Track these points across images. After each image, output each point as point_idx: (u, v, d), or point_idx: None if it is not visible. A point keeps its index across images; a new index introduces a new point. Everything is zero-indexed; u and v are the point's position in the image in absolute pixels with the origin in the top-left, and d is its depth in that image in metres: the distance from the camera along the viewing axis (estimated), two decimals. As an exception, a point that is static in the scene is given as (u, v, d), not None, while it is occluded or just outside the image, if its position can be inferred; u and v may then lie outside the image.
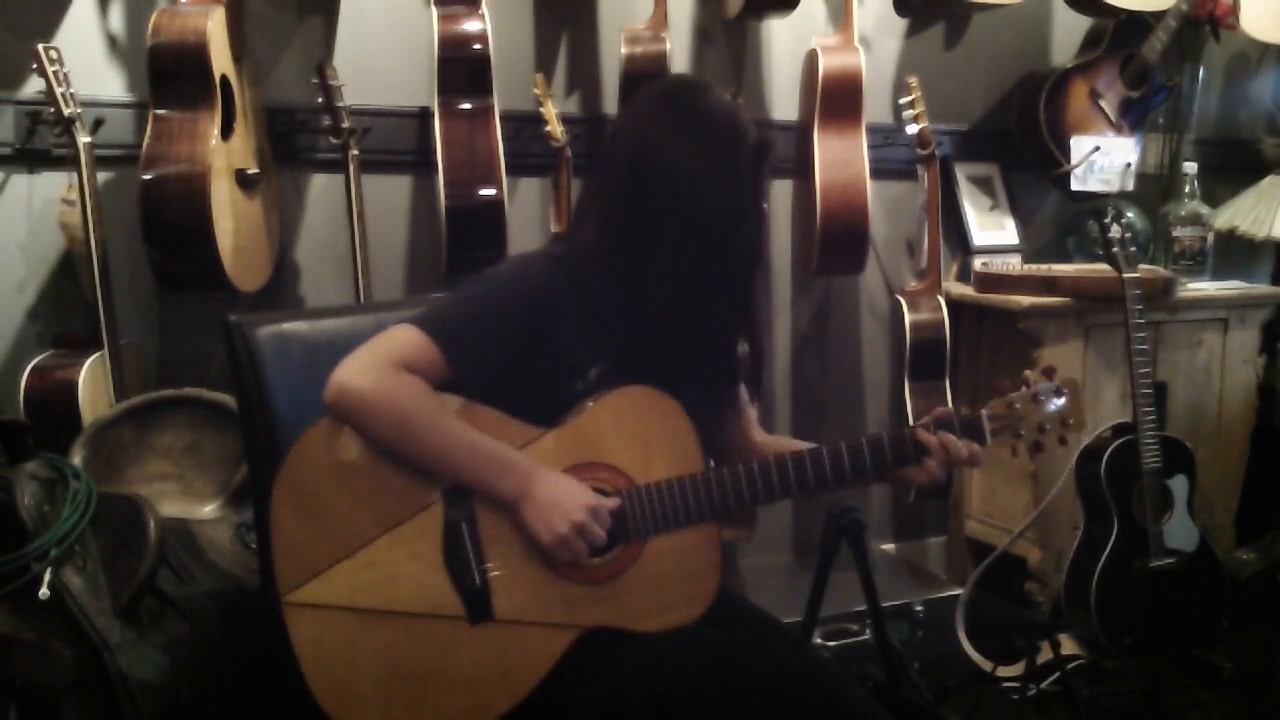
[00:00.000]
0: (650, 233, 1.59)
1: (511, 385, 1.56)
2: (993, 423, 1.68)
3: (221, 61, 2.39)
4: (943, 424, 1.66)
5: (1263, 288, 3.39)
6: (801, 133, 3.00)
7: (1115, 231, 2.68)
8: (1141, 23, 3.17)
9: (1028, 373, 1.73)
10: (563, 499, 1.51)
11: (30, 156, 2.52)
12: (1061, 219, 3.49)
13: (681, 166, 1.57)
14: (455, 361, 1.53)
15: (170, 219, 2.33)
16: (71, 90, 2.33)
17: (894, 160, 3.19)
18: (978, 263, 3.25)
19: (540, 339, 1.57)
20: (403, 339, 1.53)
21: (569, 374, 1.60)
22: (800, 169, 3.02)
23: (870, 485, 1.73)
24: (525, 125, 2.82)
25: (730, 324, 1.71)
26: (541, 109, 2.72)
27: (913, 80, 3.01)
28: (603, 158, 1.67)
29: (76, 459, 2.13)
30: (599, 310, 1.61)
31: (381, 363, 1.50)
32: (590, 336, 1.60)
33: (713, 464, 1.68)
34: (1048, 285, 2.93)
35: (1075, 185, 3.20)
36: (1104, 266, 2.81)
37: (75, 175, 2.33)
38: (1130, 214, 3.29)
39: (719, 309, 1.65)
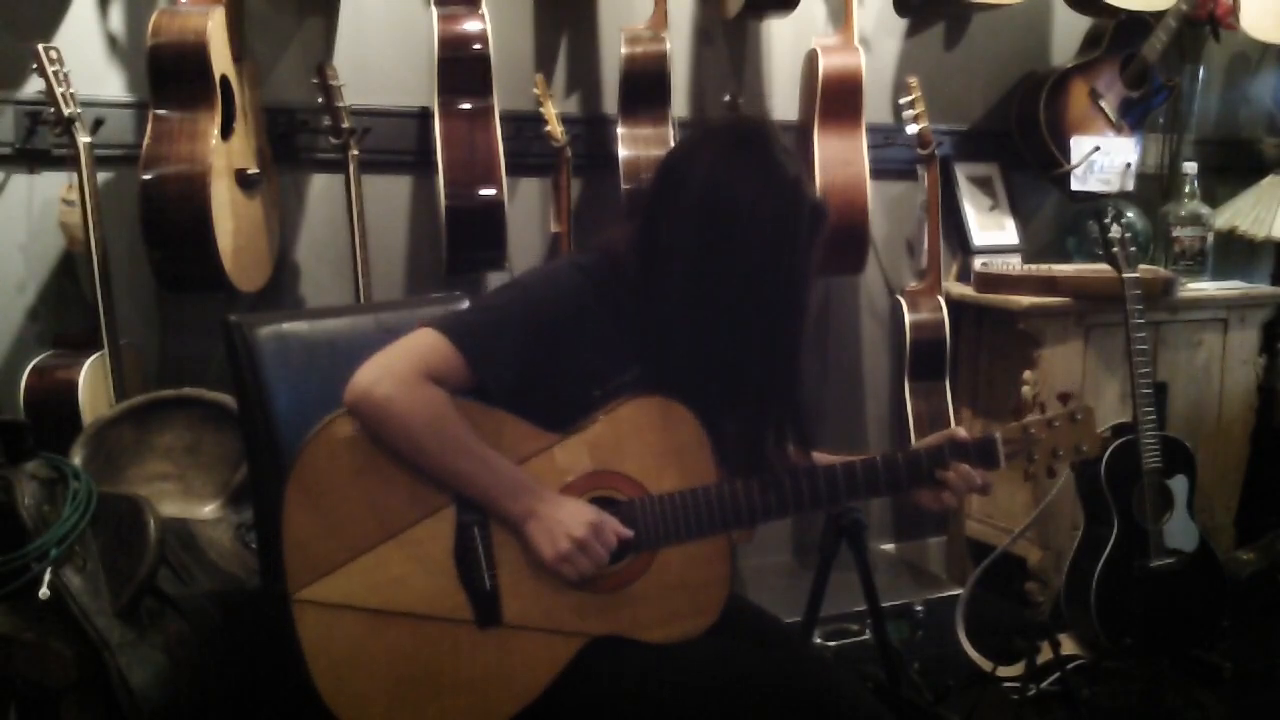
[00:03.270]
0: (691, 267, 1.55)
1: (532, 392, 1.56)
2: (1006, 446, 1.67)
3: (221, 61, 2.39)
4: (956, 448, 1.65)
5: (1263, 288, 3.38)
6: (801, 133, 3.00)
7: (1115, 231, 2.68)
8: (1141, 23, 3.17)
9: (1027, 374, 1.73)
10: (566, 517, 1.51)
11: (30, 156, 2.52)
12: (1061, 219, 3.49)
13: (742, 213, 1.53)
14: (479, 370, 1.52)
15: (170, 219, 2.33)
16: (71, 90, 2.33)
17: (894, 160, 3.19)
18: (978, 263, 3.25)
19: (563, 348, 1.56)
20: (429, 345, 1.52)
21: (588, 382, 1.59)
22: (800, 169, 3.02)
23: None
24: (525, 125, 2.82)
25: (751, 372, 1.65)
26: (541, 109, 2.72)
27: (913, 80, 3.01)
28: (654, 183, 1.64)
29: (76, 459, 2.12)
30: (621, 323, 1.60)
31: (407, 371, 1.49)
32: (611, 348, 1.60)
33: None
34: (1048, 285, 2.93)
35: (1075, 185, 3.20)
36: (1104, 266, 2.81)
37: (75, 175, 2.33)
38: (1130, 214, 3.29)
39: (743, 350, 1.61)
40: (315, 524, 1.50)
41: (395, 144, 2.78)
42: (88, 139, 2.34)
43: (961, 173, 3.34)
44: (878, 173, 3.02)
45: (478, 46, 2.59)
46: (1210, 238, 3.30)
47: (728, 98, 2.86)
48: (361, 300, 2.56)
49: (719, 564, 1.62)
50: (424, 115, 2.77)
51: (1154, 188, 3.43)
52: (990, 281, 3.07)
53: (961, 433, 1.67)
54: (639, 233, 1.62)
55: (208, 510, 2.23)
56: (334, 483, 1.51)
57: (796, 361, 1.65)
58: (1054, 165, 3.20)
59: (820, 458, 1.76)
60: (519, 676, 1.53)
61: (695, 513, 1.59)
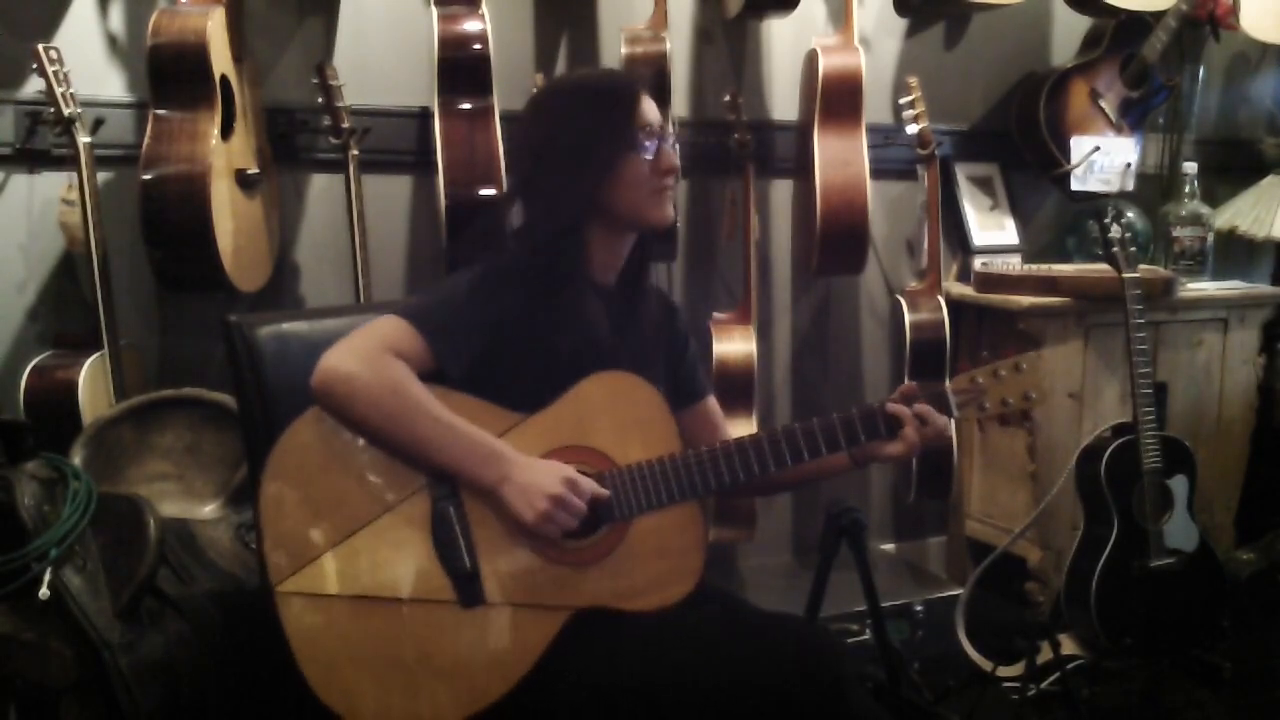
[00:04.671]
0: (546, 208, 1.68)
1: (493, 374, 1.60)
2: (957, 396, 1.72)
3: (221, 61, 2.39)
4: (910, 398, 1.70)
5: (1263, 288, 3.38)
6: (801, 133, 3.00)
7: (1115, 231, 2.68)
8: (1141, 23, 3.17)
9: (984, 354, 1.78)
10: (538, 478, 1.53)
11: (30, 156, 2.52)
12: (1061, 219, 3.49)
13: (557, 134, 1.66)
14: (439, 351, 1.56)
15: (170, 219, 2.33)
16: (71, 90, 2.33)
17: (894, 160, 3.19)
18: (978, 263, 3.25)
19: (518, 330, 1.61)
20: (389, 328, 1.56)
21: (546, 364, 1.63)
22: (800, 169, 3.02)
23: (848, 468, 1.77)
24: (525, 125, 2.82)
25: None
26: (541, 109, 2.72)
27: (913, 80, 3.01)
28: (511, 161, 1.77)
29: (76, 459, 2.13)
30: (570, 301, 1.66)
31: (369, 347, 1.53)
32: (566, 326, 1.64)
33: None
34: (1048, 285, 2.93)
35: (1075, 185, 3.20)
36: (1104, 266, 2.81)
37: (75, 175, 2.33)
38: (1130, 214, 3.29)
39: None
40: (292, 516, 1.51)
41: (395, 144, 2.78)
42: (88, 139, 2.34)
43: (961, 173, 3.34)
44: (878, 173, 3.02)
45: (478, 46, 2.59)
46: (1210, 238, 3.29)
47: (728, 98, 2.86)
48: (361, 300, 2.56)
49: (692, 530, 1.65)
50: (424, 115, 2.77)
51: (1154, 188, 3.43)
52: (990, 281, 3.08)
53: (915, 386, 1.73)
54: (523, 207, 1.73)
55: (208, 510, 2.23)
56: (308, 474, 1.53)
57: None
58: (1054, 165, 3.20)
59: None
60: (506, 655, 1.54)
61: (664, 480, 1.62)
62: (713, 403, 1.89)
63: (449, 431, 1.53)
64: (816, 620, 2.03)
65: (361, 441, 1.54)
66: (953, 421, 1.74)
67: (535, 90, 1.89)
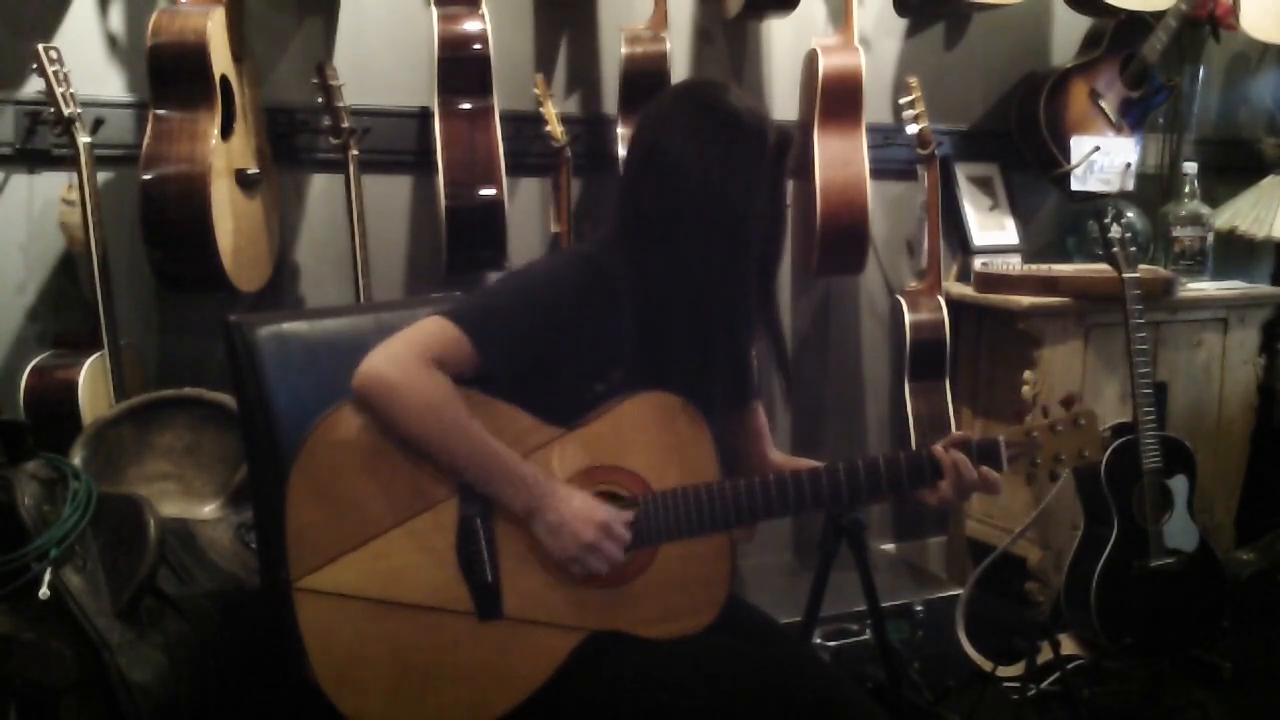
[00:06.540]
0: (667, 231, 1.59)
1: (537, 381, 1.57)
2: (1010, 449, 1.66)
3: (221, 61, 2.39)
4: (960, 448, 1.65)
5: (1263, 288, 3.39)
6: (801, 133, 3.00)
7: (1115, 231, 2.68)
8: (1141, 23, 3.17)
9: (1027, 374, 1.72)
10: (572, 519, 1.51)
11: (30, 156, 2.52)
12: (1061, 219, 3.49)
13: (699, 163, 1.57)
14: (485, 354, 1.54)
15: (170, 219, 2.33)
16: (71, 90, 2.33)
17: (894, 160, 3.19)
18: (978, 263, 3.25)
19: (569, 337, 1.57)
20: (435, 331, 1.53)
21: (593, 374, 1.60)
22: (800, 169, 3.02)
23: (883, 503, 1.73)
24: (525, 125, 2.82)
25: (747, 325, 1.72)
26: (541, 109, 2.72)
27: (913, 80, 3.01)
28: (624, 159, 1.68)
29: (76, 459, 2.12)
30: (624, 311, 1.61)
31: (413, 354, 1.51)
32: (616, 337, 1.60)
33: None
34: (1048, 285, 2.93)
35: (1075, 185, 3.20)
36: (1104, 266, 2.81)
37: (75, 175, 2.33)
38: (1130, 214, 3.29)
39: (738, 308, 1.67)
40: (318, 511, 1.50)
41: (395, 144, 2.78)
42: (88, 139, 2.34)
43: (961, 173, 3.34)
44: (878, 173, 3.02)
45: (478, 46, 2.59)
46: (1210, 238, 3.30)
47: (746, 95, 2.86)
48: (361, 300, 2.56)
49: (720, 562, 1.63)
50: (424, 115, 2.77)
51: (1154, 188, 3.44)
52: (990, 281, 3.07)
53: (962, 435, 1.68)
54: (622, 211, 1.65)
55: (208, 510, 2.23)
56: (337, 471, 1.51)
57: (775, 284, 1.75)
58: (1054, 165, 3.20)
59: (790, 461, 1.80)
60: (518, 670, 1.53)
61: (698, 509, 1.59)
62: (758, 409, 1.84)
63: (484, 454, 1.51)
64: (816, 620, 2.03)
65: (395, 443, 1.52)
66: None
67: (682, 88, 1.74)
